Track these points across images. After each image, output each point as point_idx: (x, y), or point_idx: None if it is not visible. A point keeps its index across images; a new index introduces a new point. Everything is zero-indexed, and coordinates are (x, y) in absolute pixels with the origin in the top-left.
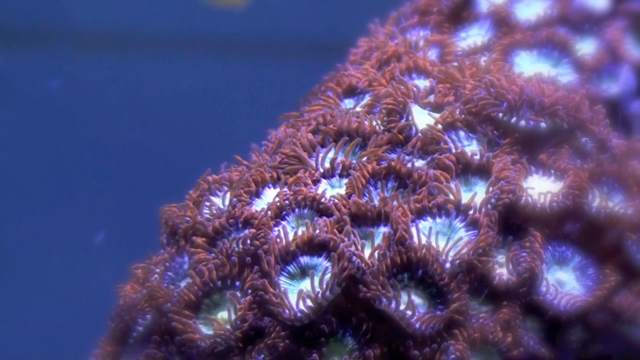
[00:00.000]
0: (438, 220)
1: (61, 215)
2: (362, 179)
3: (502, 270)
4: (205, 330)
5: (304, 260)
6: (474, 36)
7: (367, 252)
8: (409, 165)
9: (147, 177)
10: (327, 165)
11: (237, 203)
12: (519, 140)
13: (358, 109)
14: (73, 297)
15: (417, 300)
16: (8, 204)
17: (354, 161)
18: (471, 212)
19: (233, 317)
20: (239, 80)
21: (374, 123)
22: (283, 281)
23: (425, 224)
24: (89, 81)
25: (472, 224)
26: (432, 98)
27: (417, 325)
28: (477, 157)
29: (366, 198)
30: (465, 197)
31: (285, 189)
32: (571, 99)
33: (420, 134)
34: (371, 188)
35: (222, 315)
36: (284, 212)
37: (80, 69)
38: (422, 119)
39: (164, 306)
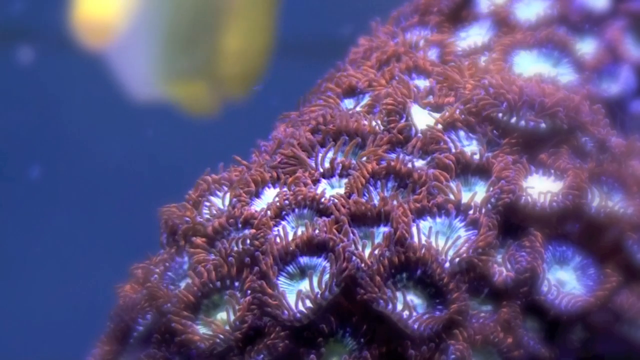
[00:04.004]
0: (438, 220)
1: (60, 215)
2: (362, 179)
3: (502, 269)
4: (205, 331)
5: (304, 260)
6: (474, 36)
7: (367, 252)
8: (409, 165)
9: (147, 177)
10: (326, 165)
11: (237, 203)
12: (519, 140)
13: (358, 109)
14: (73, 297)
15: (415, 300)
16: (8, 205)
17: (354, 161)
18: (471, 211)
19: (232, 317)
20: None
21: (374, 123)
22: (282, 282)
23: (425, 224)
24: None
25: (472, 224)
26: (431, 98)
27: (416, 327)
28: (477, 157)
29: (366, 198)
30: (465, 197)
31: (285, 189)
32: (571, 99)
33: (420, 134)
34: (371, 188)
35: (222, 316)
36: (284, 212)
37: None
38: (422, 119)
39: (164, 307)
